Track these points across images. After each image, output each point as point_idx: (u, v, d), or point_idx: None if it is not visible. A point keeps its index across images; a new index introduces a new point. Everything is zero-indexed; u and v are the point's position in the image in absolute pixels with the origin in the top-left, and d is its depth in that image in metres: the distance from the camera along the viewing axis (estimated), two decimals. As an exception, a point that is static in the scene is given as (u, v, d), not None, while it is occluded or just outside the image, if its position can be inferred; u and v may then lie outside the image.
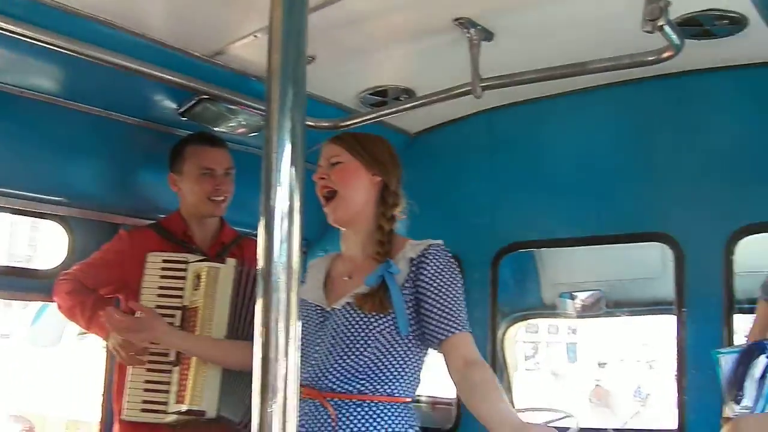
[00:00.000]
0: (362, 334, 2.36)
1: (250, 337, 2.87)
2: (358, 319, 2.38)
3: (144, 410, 2.88)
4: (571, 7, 2.60)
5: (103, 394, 3.41)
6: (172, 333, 2.84)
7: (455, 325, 2.34)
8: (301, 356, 2.40)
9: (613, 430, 4.99)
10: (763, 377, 1.98)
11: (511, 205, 3.68)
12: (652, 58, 2.38)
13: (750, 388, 1.98)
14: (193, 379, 2.83)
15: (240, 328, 2.93)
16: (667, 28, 2.09)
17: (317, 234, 3.96)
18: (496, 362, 3.83)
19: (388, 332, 2.37)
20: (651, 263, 4.43)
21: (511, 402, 4.79)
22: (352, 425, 2.33)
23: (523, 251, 4.12)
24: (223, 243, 3.22)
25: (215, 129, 3.28)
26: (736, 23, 2.62)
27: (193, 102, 3.09)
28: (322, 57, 2.84)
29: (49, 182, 3.20)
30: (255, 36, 2.68)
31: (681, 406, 3.13)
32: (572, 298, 4.94)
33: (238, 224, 3.31)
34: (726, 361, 2.09)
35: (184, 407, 2.83)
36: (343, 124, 3.21)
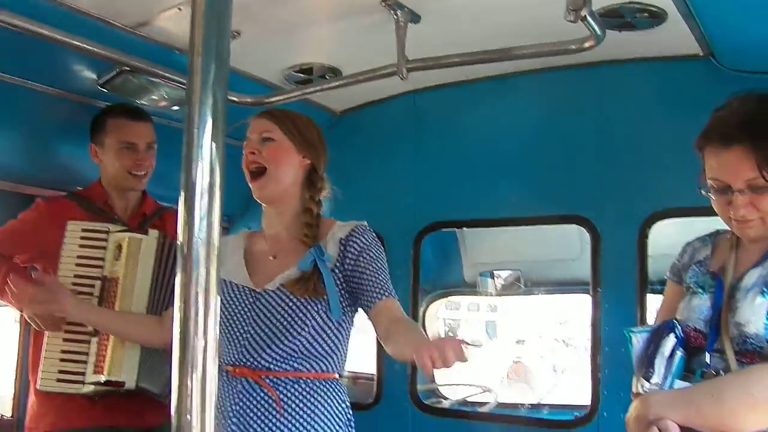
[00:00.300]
0: (298, 317, 2.42)
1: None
2: (292, 302, 2.43)
3: (60, 380, 2.83)
4: (498, -7, 2.63)
5: (17, 365, 3.34)
6: (79, 306, 2.79)
7: (384, 292, 2.46)
8: (230, 336, 2.44)
9: (530, 405, 5.13)
10: (671, 355, 2.05)
11: (434, 185, 3.71)
12: (575, 47, 2.43)
13: (659, 365, 2.05)
14: (112, 350, 2.80)
15: (161, 299, 2.91)
16: (589, 19, 2.13)
17: (239, 210, 3.94)
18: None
19: (320, 315, 2.44)
20: (569, 244, 4.55)
21: (432, 377, 4.88)
22: (290, 401, 2.40)
23: (446, 230, 4.18)
24: (144, 214, 3.17)
25: (136, 101, 3.21)
26: (655, 17, 2.69)
27: (114, 74, 3.01)
28: (247, 32, 2.81)
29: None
30: (179, 8, 2.62)
31: (595, 382, 3.23)
32: (492, 276, 5.03)
33: (159, 198, 3.26)
34: (637, 340, 2.16)
35: (102, 378, 2.80)
36: (267, 100, 3.18)
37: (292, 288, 2.43)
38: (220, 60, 1.16)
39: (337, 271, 2.47)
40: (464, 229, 4.42)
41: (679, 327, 2.11)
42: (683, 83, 3.09)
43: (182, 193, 1.13)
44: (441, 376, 4.86)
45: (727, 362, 1.97)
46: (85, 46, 2.67)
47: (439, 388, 5.01)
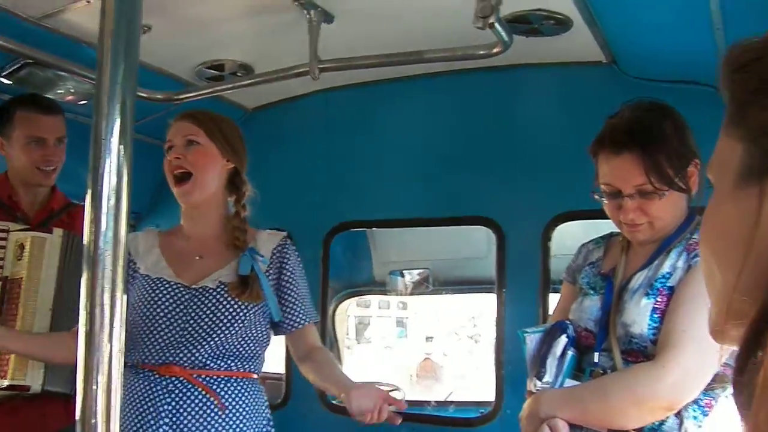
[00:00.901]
0: (237, 318, 2.45)
1: (75, 312, 2.81)
2: (232, 302, 2.45)
3: None
4: (410, -3, 2.66)
5: None
6: None
7: (310, 315, 2.62)
8: (156, 334, 2.42)
9: (435, 402, 5.19)
10: (563, 355, 2.12)
11: (345, 185, 3.73)
12: (483, 52, 2.49)
13: (551, 365, 2.12)
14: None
15: (67, 300, 2.81)
16: (497, 26, 2.18)
17: (146, 207, 3.87)
18: (327, 337, 3.89)
19: (257, 317, 2.49)
20: (478, 244, 4.62)
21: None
22: (224, 401, 2.42)
23: (356, 230, 4.20)
24: (51, 209, 3.06)
25: (42, 95, 3.12)
26: (561, 24, 2.76)
27: (18, 66, 2.92)
28: (158, 27, 2.76)
29: None
30: (88, 1, 2.57)
31: (498, 379, 3.30)
32: (402, 275, 5.07)
33: (66, 194, 3.17)
34: (530, 340, 2.23)
35: (5, 382, 2.70)
36: (178, 97, 3.14)
37: (233, 291, 2.46)
38: (130, 55, 1.15)
39: (270, 278, 2.54)
40: (373, 228, 4.44)
41: (571, 327, 2.18)
42: (587, 89, 3.19)
43: (89, 191, 1.12)
44: (351, 374, 4.86)
45: (614, 361, 2.04)
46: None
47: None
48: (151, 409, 2.36)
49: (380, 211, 3.67)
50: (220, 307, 2.44)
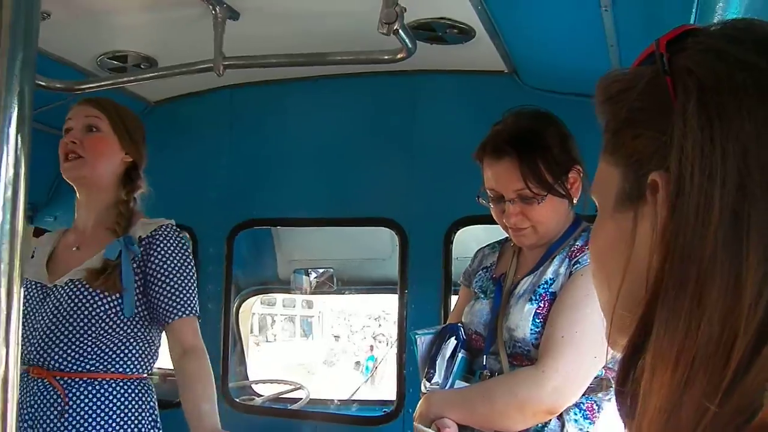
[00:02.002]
0: (86, 313, 2.31)
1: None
2: (82, 297, 2.32)
3: None
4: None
5: None
6: None
7: (181, 309, 2.38)
8: (24, 334, 2.30)
9: (339, 401, 5.21)
10: (452, 357, 2.17)
11: (249, 182, 3.70)
12: (387, 57, 2.50)
13: (440, 366, 2.16)
14: None
15: None
16: (401, 32, 2.20)
17: (44, 197, 3.76)
18: (230, 335, 3.86)
19: (113, 312, 2.34)
20: (381, 245, 4.67)
21: (245, 375, 4.86)
22: (82, 404, 2.29)
23: (260, 228, 4.18)
24: None
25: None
26: (465, 33, 2.81)
27: None
28: (58, 14, 2.67)
29: None
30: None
31: (400, 379, 3.34)
32: (306, 274, 5.07)
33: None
34: (421, 341, 2.26)
35: None
36: (79, 87, 3.05)
37: (87, 279, 2.33)
38: (28, 42, 1.11)
39: (138, 269, 2.38)
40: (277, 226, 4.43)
41: (462, 330, 2.22)
42: (489, 97, 3.25)
43: None
44: (255, 372, 4.84)
45: (501, 365, 2.09)
46: None
47: (252, 385, 5.00)
48: (19, 409, 2.29)
49: (284, 210, 3.66)
50: (66, 305, 2.32)
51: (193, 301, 2.43)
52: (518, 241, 2.20)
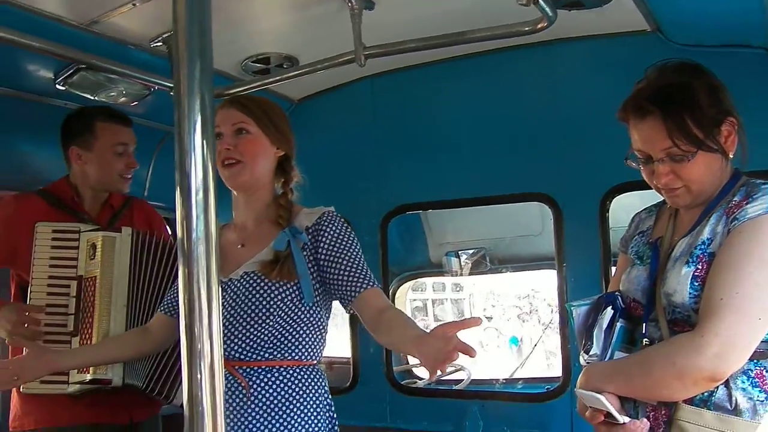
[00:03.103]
0: (265, 303, 2.39)
1: (148, 304, 2.85)
2: (259, 288, 2.40)
3: (44, 382, 2.80)
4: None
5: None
6: (63, 357, 2.71)
7: (364, 282, 2.39)
8: None
9: (504, 380, 5.18)
10: (610, 327, 2.09)
11: (396, 169, 3.74)
12: (528, 28, 2.46)
13: (597, 338, 2.10)
14: None
15: (140, 294, 2.93)
16: (541, 1, 2.16)
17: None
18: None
19: (290, 300, 2.41)
20: (532, 221, 4.61)
21: (406, 360, 4.93)
22: (263, 392, 2.37)
23: (410, 213, 4.21)
24: (112, 207, 3.19)
25: (95, 98, 3.20)
26: (604, -6, 2.72)
27: (71, 71, 3.00)
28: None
29: None
30: (134, 4, 2.60)
31: (565, 355, 3.30)
32: (457, 256, 5.08)
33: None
34: (577, 314, 2.20)
35: (88, 376, 2.80)
36: (227, 92, 3.17)
37: (263, 270, 2.40)
38: (204, 49, 1.18)
39: (309, 256, 2.44)
40: (428, 210, 4.45)
41: (620, 299, 2.15)
42: (633, 59, 3.10)
43: (178, 191, 1.16)
44: (413, 357, 4.87)
45: (661, 332, 2.01)
46: (39, 45, 2.63)
47: (413, 369, 5.06)
48: None
49: (434, 193, 3.67)
50: (244, 297, 2.40)
51: (371, 274, 2.43)
52: (672, 202, 2.11)
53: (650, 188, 2.14)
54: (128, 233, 2.95)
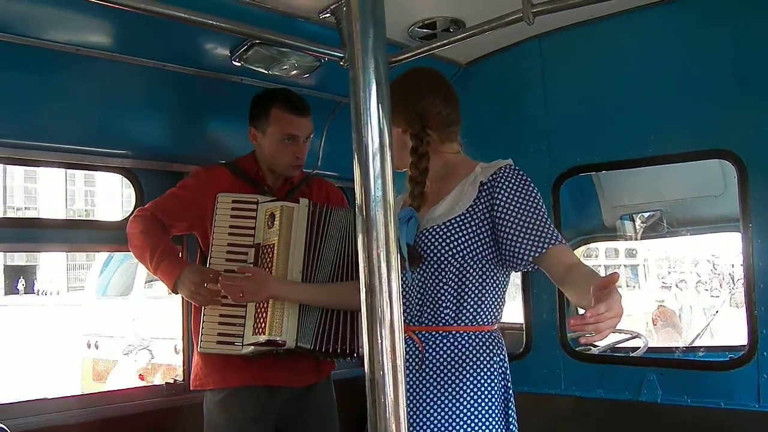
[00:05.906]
0: (437, 265, 2.40)
1: (322, 273, 2.95)
2: (434, 248, 2.40)
3: (219, 342, 2.99)
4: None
5: (183, 334, 3.57)
6: (284, 287, 2.94)
7: (545, 241, 2.31)
8: None
9: (684, 347, 4.99)
10: None
11: (567, 130, 3.65)
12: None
13: None
14: (272, 310, 2.93)
15: (314, 262, 3.03)
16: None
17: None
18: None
19: (471, 265, 2.39)
20: (712, 181, 4.38)
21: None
22: (437, 356, 2.39)
23: (581, 175, 4.10)
24: (292, 182, 3.30)
25: (268, 72, 3.30)
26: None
27: (245, 47, 3.12)
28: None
29: (111, 136, 3.28)
30: (300, -24, 2.67)
31: (751, 320, 3.11)
32: (632, 219, 4.91)
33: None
34: None
35: (263, 338, 2.93)
36: (394, 59, 3.17)
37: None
38: (378, 23, 1.22)
39: (479, 213, 2.38)
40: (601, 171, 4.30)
41: None
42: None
43: (355, 157, 1.19)
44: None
45: None
46: (215, 22, 2.72)
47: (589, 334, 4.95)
48: None
49: (608, 153, 3.54)
50: (433, 249, 2.39)
51: (554, 230, 2.33)
52: None
53: None
54: (305, 204, 3.04)
